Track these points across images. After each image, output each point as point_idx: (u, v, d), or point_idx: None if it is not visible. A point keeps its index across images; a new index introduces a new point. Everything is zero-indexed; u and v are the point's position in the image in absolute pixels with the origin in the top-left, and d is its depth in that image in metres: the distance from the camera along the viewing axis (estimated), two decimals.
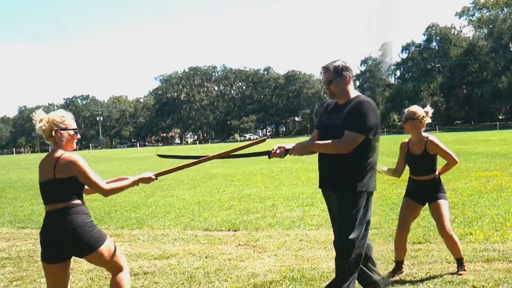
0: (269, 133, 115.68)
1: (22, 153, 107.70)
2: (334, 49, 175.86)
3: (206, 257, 5.66)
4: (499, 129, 57.17)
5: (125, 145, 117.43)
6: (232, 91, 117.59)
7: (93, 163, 32.02)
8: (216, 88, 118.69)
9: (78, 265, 5.60)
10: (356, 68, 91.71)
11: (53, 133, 3.37)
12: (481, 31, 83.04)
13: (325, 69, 3.80)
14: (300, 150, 3.72)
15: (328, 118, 3.81)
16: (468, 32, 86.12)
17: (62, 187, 3.30)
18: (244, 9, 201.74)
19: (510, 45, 76.69)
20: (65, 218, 3.26)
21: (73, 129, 3.45)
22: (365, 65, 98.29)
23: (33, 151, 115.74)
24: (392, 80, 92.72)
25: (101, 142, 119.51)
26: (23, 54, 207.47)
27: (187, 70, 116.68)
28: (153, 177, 3.67)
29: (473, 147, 23.57)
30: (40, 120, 3.36)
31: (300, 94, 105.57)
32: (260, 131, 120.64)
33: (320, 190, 3.95)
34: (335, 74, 3.75)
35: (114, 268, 3.45)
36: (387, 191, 9.88)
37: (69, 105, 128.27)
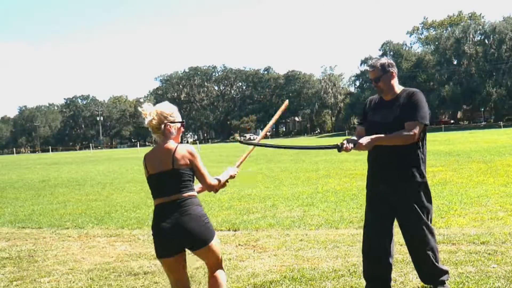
0: (269, 133, 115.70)
1: (22, 153, 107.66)
2: (334, 49, 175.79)
3: None
4: (444, 131, 65.48)
5: (125, 145, 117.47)
6: (232, 91, 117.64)
7: (94, 163, 32.03)
8: (216, 88, 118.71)
9: (78, 265, 5.60)
10: (356, 68, 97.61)
11: (163, 126, 3.31)
12: (428, 47, 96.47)
13: (372, 67, 3.93)
14: (367, 145, 3.69)
15: (378, 114, 3.89)
16: (417, 48, 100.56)
17: (180, 178, 3.22)
18: (245, 9, 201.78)
19: (453, 59, 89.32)
20: (183, 209, 3.19)
21: (181, 122, 3.42)
22: (365, 65, 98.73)
23: (33, 151, 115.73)
24: (352, 89, 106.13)
25: (101, 142, 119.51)
26: (23, 54, 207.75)
27: (187, 70, 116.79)
28: (237, 169, 3.70)
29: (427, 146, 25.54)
30: (149, 113, 3.31)
31: (300, 94, 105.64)
32: (260, 131, 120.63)
33: (369, 188, 4.02)
34: (382, 71, 3.88)
35: (216, 263, 3.34)
36: (349, 184, 11.49)
37: (69, 105, 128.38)
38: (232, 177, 3.67)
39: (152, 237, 3.32)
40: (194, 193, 3.31)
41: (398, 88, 3.92)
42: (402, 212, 3.87)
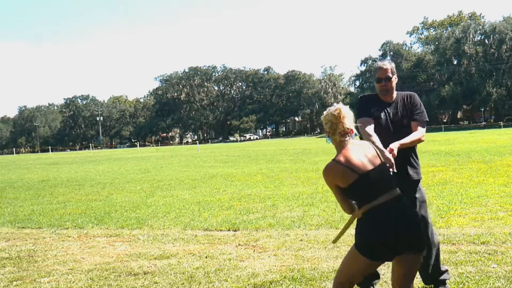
0: (269, 133, 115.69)
1: (22, 153, 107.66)
2: (334, 49, 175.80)
3: (206, 257, 5.65)
4: (444, 131, 65.97)
5: (125, 145, 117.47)
6: (232, 91, 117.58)
7: (94, 163, 32.02)
8: (216, 88, 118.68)
9: (78, 265, 5.60)
10: (356, 68, 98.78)
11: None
12: (428, 47, 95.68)
13: (385, 66, 4.01)
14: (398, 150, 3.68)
15: (382, 112, 3.97)
16: (417, 48, 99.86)
17: (389, 172, 3.09)
18: (245, 9, 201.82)
19: (453, 59, 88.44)
20: (407, 206, 3.00)
21: None
22: (365, 65, 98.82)
23: (33, 151, 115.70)
24: (352, 89, 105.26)
25: (101, 142, 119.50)
26: (23, 54, 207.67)
27: (187, 70, 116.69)
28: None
29: (421, 146, 24.97)
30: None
31: (300, 94, 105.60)
32: (260, 131, 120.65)
33: None
34: (392, 73, 4.00)
35: (414, 276, 3.08)
36: None
37: (69, 105, 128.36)
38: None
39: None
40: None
41: (395, 92, 4.11)
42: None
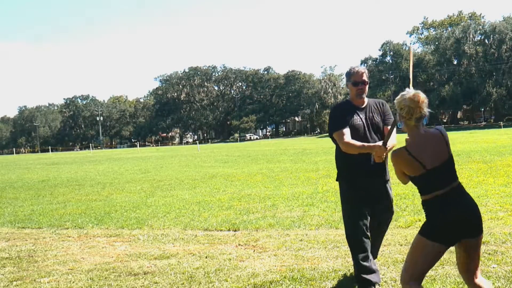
0: (269, 133, 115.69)
1: (22, 153, 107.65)
2: (334, 49, 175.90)
3: (206, 257, 5.65)
4: None
5: (125, 145, 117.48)
6: (232, 91, 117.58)
7: (94, 163, 32.02)
8: (216, 88, 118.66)
9: (78, 265, 5.60)
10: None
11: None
12: (428, 47, 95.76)
13: (362, 70, 4.34)
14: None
15: (357, 117, 4.24)
16: (417, 48, 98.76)
17: (453, 163, 3.17)
18: (245, 9, 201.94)
19: (453, 59, 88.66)
20: (467, 195, 3.13)
21: None
22: (365, 65, 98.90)
23: (33, 151, 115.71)
24: None
25: (101, 142, 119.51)
26: (23, 54, 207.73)
27: (187, 70, 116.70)
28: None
29: None
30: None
31: (300, 94, 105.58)
32: (260, 131, 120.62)
33: (359, 179, 4.26)
34: (367, 77, 4.30)
35: (479, 261, 3.20)
36: None
37: (69, 105, 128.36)
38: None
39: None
40: None
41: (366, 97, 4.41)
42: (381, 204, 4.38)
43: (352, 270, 4.67)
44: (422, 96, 3.12)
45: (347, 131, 4.13)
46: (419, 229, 3.30)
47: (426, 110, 3.12)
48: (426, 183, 3.10)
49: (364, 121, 4.22)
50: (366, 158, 4.17)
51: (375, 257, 4.56)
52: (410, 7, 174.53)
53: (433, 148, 3.08)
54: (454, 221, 3.03)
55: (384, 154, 4.00)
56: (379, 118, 4.27)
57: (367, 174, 4.23)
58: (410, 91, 3.15)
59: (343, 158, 4.28)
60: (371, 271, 4.21)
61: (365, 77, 4.25)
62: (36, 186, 16.36)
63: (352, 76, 4.26)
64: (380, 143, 3.99)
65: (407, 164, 3.08)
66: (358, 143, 4.06)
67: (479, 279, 3.19)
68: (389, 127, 4.01)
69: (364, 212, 4.23)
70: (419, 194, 3.20)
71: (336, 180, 4.48)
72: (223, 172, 17.67)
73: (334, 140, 4.30)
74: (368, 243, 4.24)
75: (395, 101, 3.18)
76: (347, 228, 4.34)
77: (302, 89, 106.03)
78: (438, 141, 3.11)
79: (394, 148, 3.44)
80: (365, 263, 4.19)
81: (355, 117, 4.21)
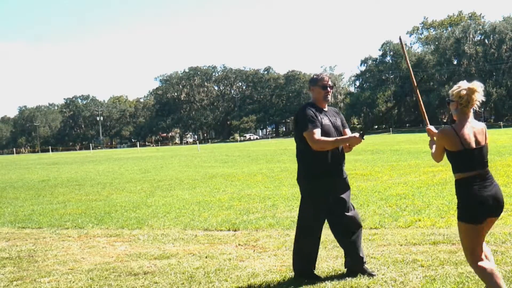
0: (269, 133, 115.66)
1: (22, 153, 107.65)
2: (334, 49, 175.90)
3: (206, 257, 5.65)
4: None
5: (125, 145, 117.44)
6: (232, 91, 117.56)
7: (94, 163, 32.02)
8: (216, 88, 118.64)
9: (78, 265, 5.60)
10: (356, 68, 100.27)
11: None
12: (428, 47, 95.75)
13: (328, 76, 4.74)
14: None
15: (326, 119, 4.58)
16: (417, 48, 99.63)
17: (487, 152, 3.65)
18: (245, 9, 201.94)
19: (453, 59, 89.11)
20: (493, 179, 3.61)
21: None
22: (365, 65, 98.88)
23: (33, 151, 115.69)
24: (352, 89, 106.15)
25: (101, 142, 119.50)
26: (23, 54, 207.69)
27: (187, 70, 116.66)
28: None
29: (421, 146, 25.83)
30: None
31: (300, 94, 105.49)
32: (260, 131, 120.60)
33: (326, 180, 4.51)
34: (333, 83, 4.79)
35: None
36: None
37: (69, 105, 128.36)
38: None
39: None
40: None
41: None
42: (345, 202, 4.59)
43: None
44: (480, 86, 3.61)
45: (318, 131, 4.43)
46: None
47: (479, 99, 3.61)
48: (462, 161, 3.55)
49: (332, 123, 4.60)
50: (329, 158, 4.49)
51: (361, 261, 4.55)
52: (410, 7, 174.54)
53: (474, 133, 3.57)
54: (486, 200, 3.49)
55: (354, 145, 4.53)
56: (339, 122, 4.69)
57: (330, 174, 4.51)
58: (467, 82, 3.64)
59: (307, 158, 4.54)
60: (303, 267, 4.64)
61: (331, 83, 4.71)
62: (36, 186, 16.37)
63: (321, 81, 4.63)
64: (356, 134, 4.47)
65: (450, 139, 3.55)
66: (331, 139, 4.44)
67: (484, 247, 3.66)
68: (346, 130, 4.67)
69: (322, 216, 4.57)
70: (452, 172, 3.62)
71: (297, 180, 4.72)
72: (223, 172, 17.67)
73: (300, 140, 4.56)
74: (315, 248, 4.64)
75: (451, 91, 3.70)
76: (300, 228, 4.70)
77: (302, 89, 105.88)
78: (480, 130, 3.60)
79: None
80: (302, 261, 4.62)
81: (324, 118, 4.56)
